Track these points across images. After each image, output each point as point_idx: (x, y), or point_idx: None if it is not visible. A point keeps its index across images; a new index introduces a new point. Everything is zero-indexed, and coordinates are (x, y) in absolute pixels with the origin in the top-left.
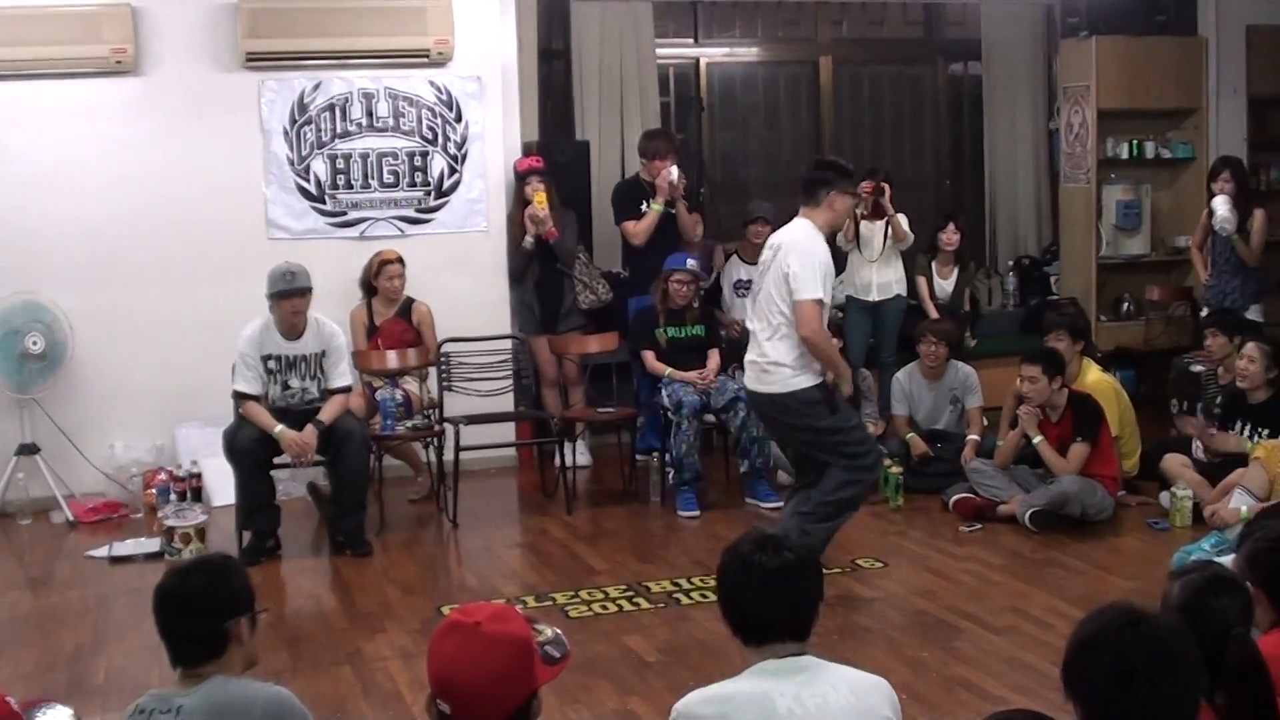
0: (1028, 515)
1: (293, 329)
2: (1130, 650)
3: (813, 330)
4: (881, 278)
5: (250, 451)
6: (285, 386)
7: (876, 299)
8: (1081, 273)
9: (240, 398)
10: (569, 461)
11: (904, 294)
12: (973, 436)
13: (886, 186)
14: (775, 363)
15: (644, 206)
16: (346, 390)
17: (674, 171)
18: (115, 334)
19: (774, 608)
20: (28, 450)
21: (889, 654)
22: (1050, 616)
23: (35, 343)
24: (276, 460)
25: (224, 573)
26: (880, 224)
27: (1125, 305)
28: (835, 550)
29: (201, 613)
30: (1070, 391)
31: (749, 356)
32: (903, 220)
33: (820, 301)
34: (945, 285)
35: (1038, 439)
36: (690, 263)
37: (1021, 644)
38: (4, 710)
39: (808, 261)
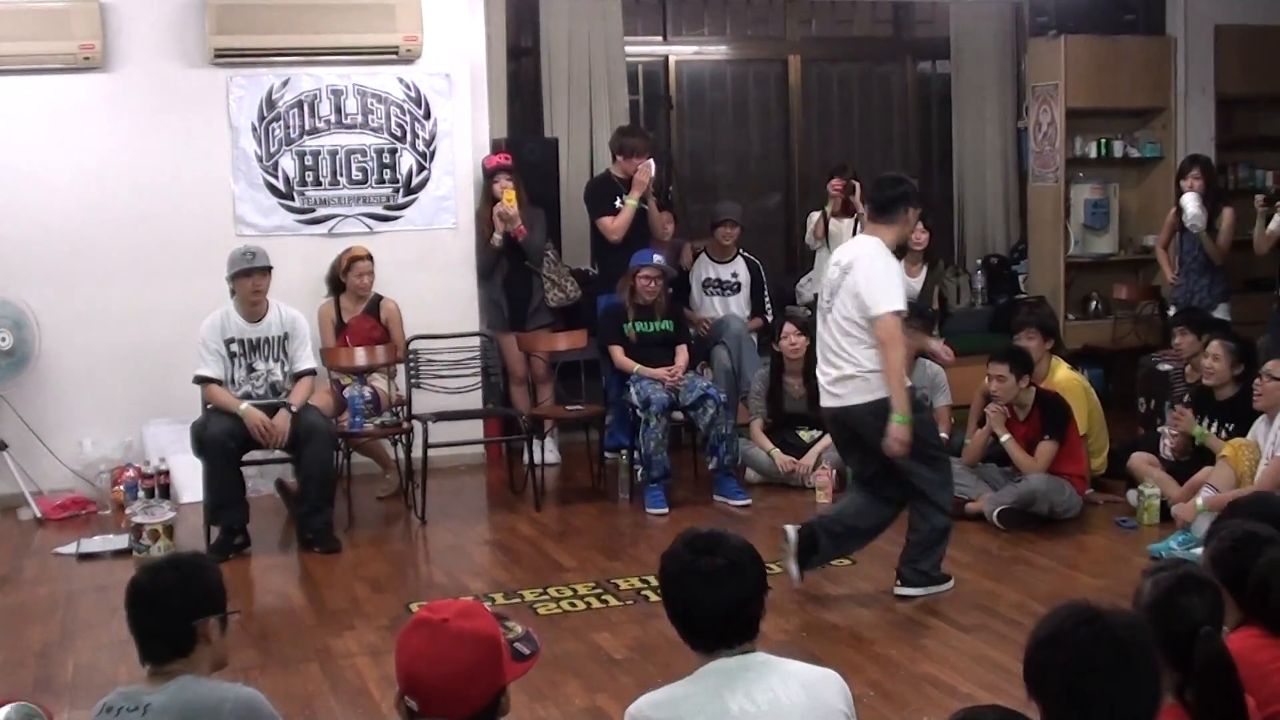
0: (995, 513)
1: (254, 311)
2: (1086, 647)
3: (893, 339)
4: None
5: (220, 444)
6: (250, 369)
7: None
8: (1050, 271)
9: (202, 382)
10: (537, 459)
11: None
12: (941, 435)
13: (856, 184)
14: (864, 371)
15: (617, 202)
16: (312, 373)
17: (653, 165)
18: (83, 331)
19: (718, 610)
20: None
21: (857, 651)
22: (1018, 614)
23: (3, 339)
24: (245, 456)
25: (196, 571)
26: (849, 222)
27: (1093, 304)
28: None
29: (171, 611)
30: (1038, 390)
31: (827, 379)
32: None
33: (900, 312)
34: (914, 284)
35: (1005, 437)
36: (657, 258)
37: (990, 641)
38: None
39: (879, 276)
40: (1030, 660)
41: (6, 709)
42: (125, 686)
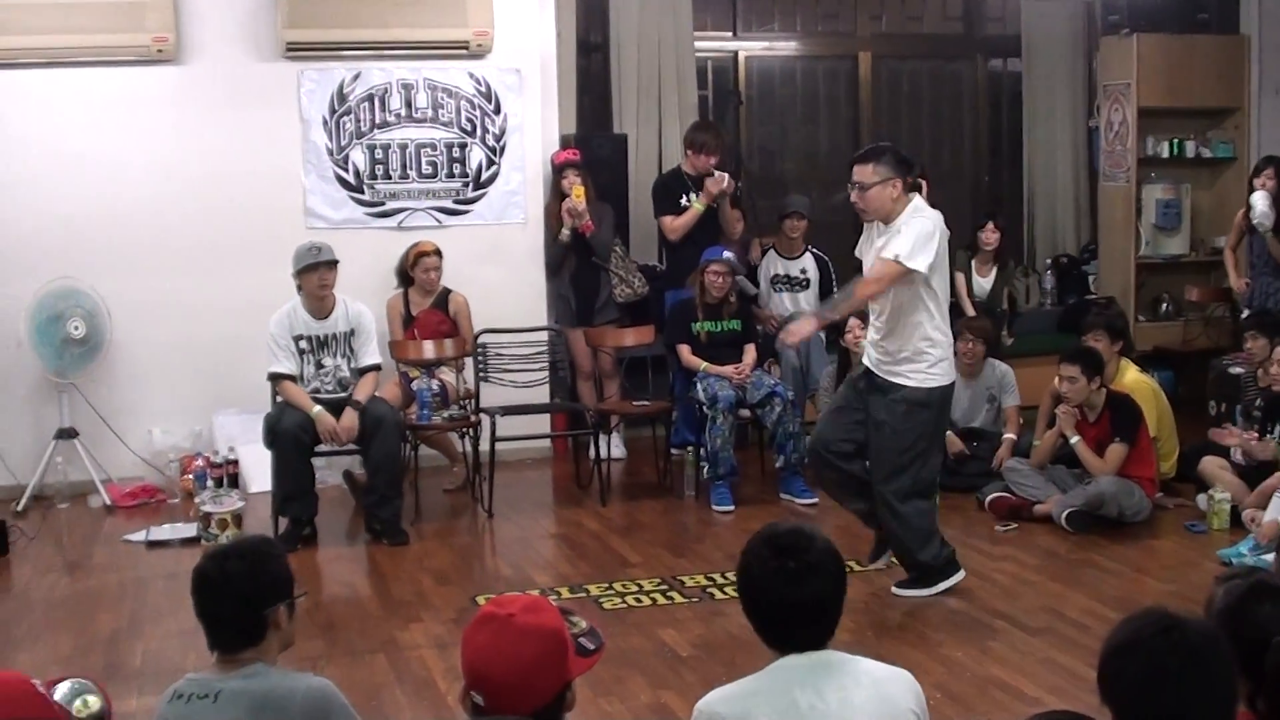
0: (1064, 516)
1: (321, 306)
2: (1162, 656)
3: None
4: None
5: (292, 437)
6: (319, 366)
7: None
8: (1120, 272)
9: (276, 379)
10: (604, 454)
11: None
12: (1009, 435)
13: (923, 182)
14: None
15: (684, 200)
16: (377, 368)
17: (726, 179)
18: (154, 321)
19: (799, 610)
20: (66, 435)
21: (924, 653)
22: (1086, 618)
23: (77, 328)
24: (316, 448)
25: (264, 558)
26: None
27: (1164, 305)
28: (871, 548)
29: (241, 599)
30: (1109, 392)
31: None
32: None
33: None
34: (984, 283)
35: (1075, 439)
36: (727, 254)
37: (1057, 645)
38: (28, 694)
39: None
40: (1104, 666)
41: (63, 685)
42: (195, 673)
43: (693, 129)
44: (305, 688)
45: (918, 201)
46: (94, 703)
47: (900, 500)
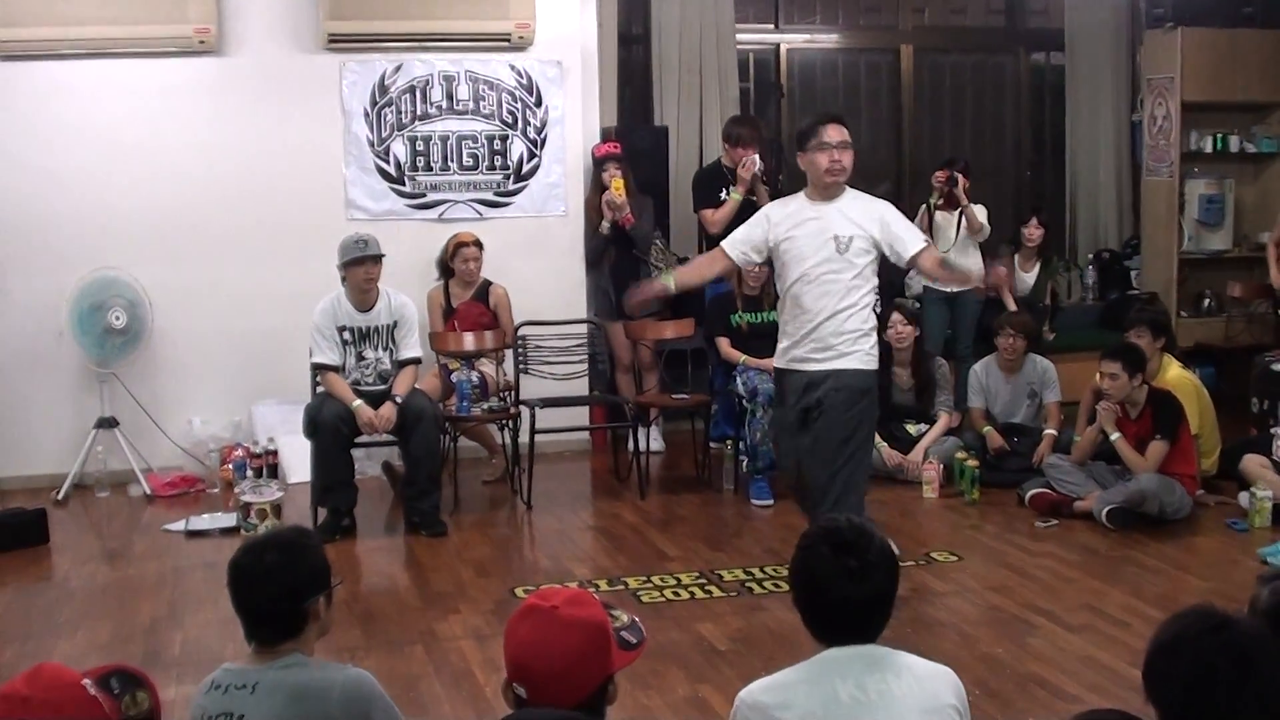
0: (1105, 512)
1: (365, 299)
2: (1211, 655)
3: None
4: None
5: (333, 428)
6: (360, 358)
7: (955, 290)
8: (1162, 267)
9: (320, 369)
10: (642, 447)
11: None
12: (1050, 431)
13: (960, 176)
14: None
15: (724, 194)
16: (417, 362)
17: (755, 160)
18: (195, 311)
19: (854, 606)
20: (107, 424)
21: (962, 649)
22: (1126, 615)
23: (118, 318)
24: (356, 439)
25: (301, 550)
26: (954, 215)
27: (1206, 301)
28: (909, 542)
29: (279, 592)
30: (1150, 388)
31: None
32: (980, 212)
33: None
34: (1026, 278)
35: (1115, 436)
36: None
37: (1097, 642)
38: (82, 698)
39: None
40: (1151, 665)
41: (111, 680)
42: (232, 664)
43: (731, 122)
44: (344, 679)
45: None
46: (143, 699)
47: None
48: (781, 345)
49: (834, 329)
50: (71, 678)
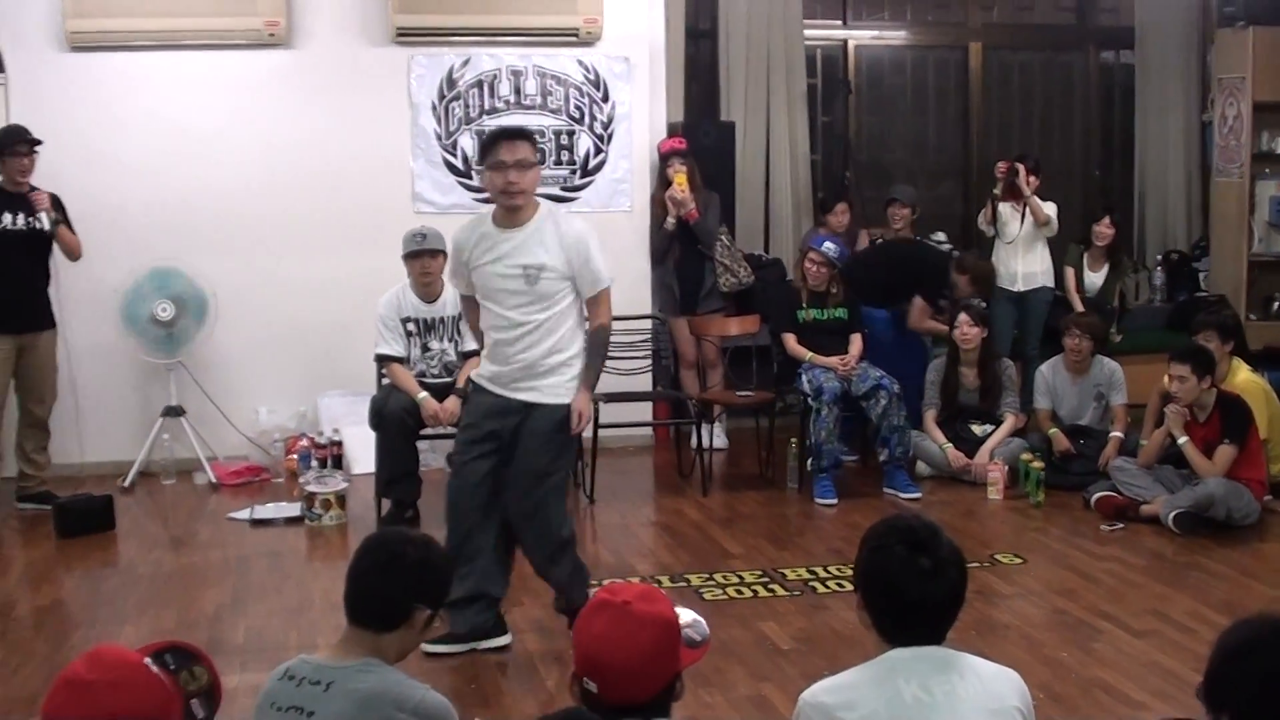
0: (1171, 517)
1: (428, 291)
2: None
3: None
4: (1027, 267)
5: (398, 420)
6: (425, 349)
7: (1022, 289)
8: (1231, 269)
9: (384, 360)
10: (705, 443)
11: (1050, 285)
12: (1116, 434)
13: (1021, 167)
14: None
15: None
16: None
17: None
18: (262, 302)
19: (926, 606)
20: (173, 412)
21: (1027, 652)
22: (1192, 621)
23: (164, 310)
24: (421, 431)
25: (436, 559)
26: (1019, 207)
27: (1275, 304)
28: (974, 544)
29: (400, 583)
30: (1219, 392)
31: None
32: (1050, 208)
33: None
34: (1095, 279)
35: (1183, 440)
36: (828, 245)
37: (1162, 648)
38: (146, 678)
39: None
40: (1217, 670)
41: (167, 656)
42: (310, 656)
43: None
44: (419, 699)
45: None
46: (200, 674)
47: None
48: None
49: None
50: (133, 659)
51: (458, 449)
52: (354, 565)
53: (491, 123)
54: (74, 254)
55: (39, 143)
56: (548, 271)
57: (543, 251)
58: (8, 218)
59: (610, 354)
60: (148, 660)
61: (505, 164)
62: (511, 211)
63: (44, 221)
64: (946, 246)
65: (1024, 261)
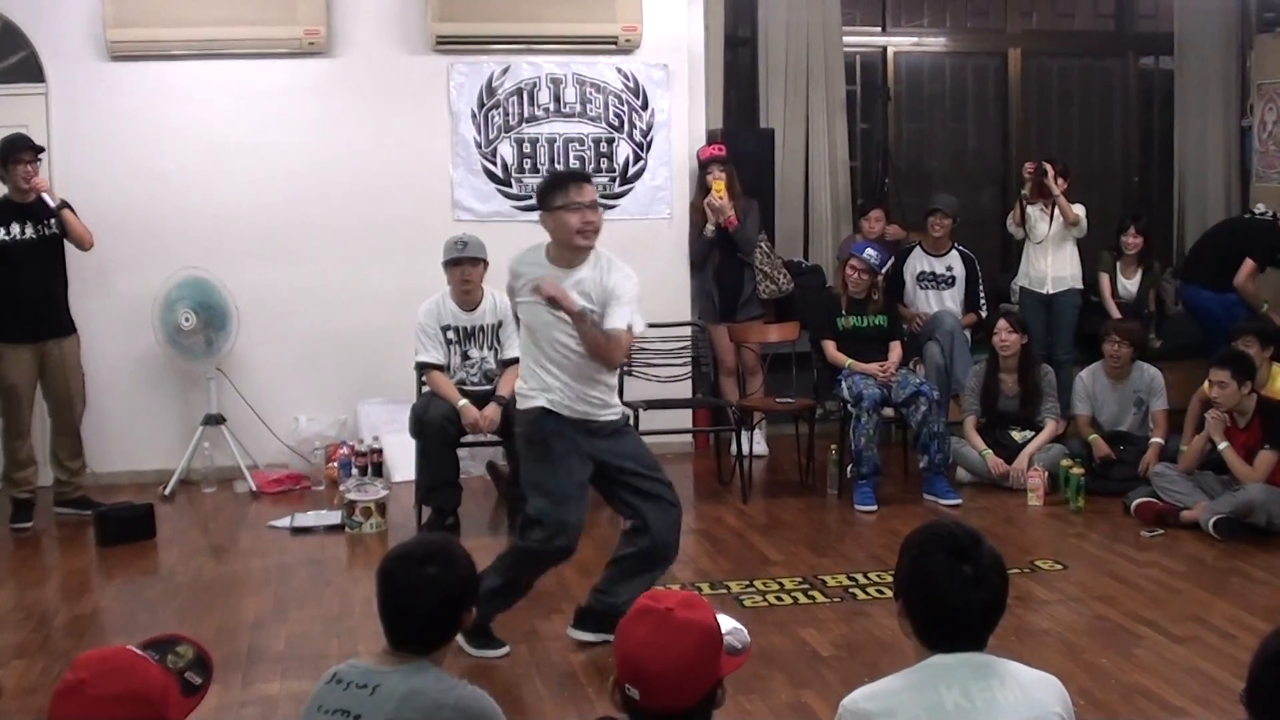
0: (1212, 523)
1: (468, 299)
2: None
3: None
4: (1056, 270)
5: (439, 427)
6: (465, 357)
7: (1051, 291)
8: (1271, 275)
9: (424, 368)
10: (745, 450)
11: (1079, 288)
12: (1156, 440)
13: (1049, 166)
14: None
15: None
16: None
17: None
18: (301, 310)
19: (969, 613)
20: (214, 421)
21: (1067, 658)
22: (1233, 627)
23: (187, 319)
24: (461, 439)
25: (457, 561)
26: (1048, 208)
27: None
28: (1014, 550)
29: (439, 604)
30: (1259, 397)
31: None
32: (1078, 209)
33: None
34: (1129, 285)
35: (1224, 445)
36: (869, 252)
37: (1203, 654)
38: (132, 662)
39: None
40: (1259, 676)
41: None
42: (358, 660)
43: None
44: (459, 694)
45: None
46: (184, 650)
47: None
48: None
49: None
50: (114, 648)
51: None
52: (387, 606)
53: (531, 131)
54: (83, 243)
55: (42, 150)
56: (595, 315)
57: (595, 296)
58: (16, 228)
59: (650, 361)
60: (131, 647)
61: (582, 205)
62: (577, 251)
63: (49, 200)
64: (1270, 215)
65: (1054, 264)
